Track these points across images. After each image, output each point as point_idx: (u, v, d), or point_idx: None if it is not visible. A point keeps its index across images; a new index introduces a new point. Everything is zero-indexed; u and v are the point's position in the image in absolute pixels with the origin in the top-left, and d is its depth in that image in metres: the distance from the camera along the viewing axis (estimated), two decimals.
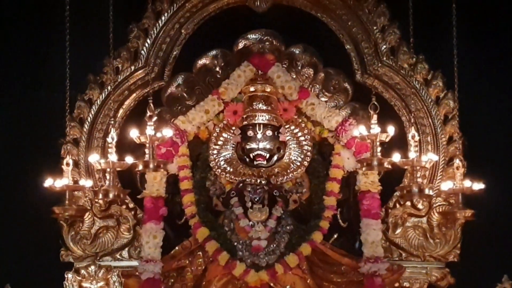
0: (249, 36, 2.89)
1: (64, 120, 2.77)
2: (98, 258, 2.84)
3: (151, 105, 2.54)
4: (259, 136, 2.73)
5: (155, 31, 2.87)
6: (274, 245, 2.68)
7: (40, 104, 3.02)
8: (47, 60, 3.04)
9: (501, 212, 2.88)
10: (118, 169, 2.55)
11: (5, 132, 3.13)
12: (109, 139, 2.56)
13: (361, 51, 2.87)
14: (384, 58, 2.86)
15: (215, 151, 2.80)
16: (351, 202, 2.85)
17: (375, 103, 2.56)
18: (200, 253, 2.76)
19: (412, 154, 2.50)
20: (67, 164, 2.61)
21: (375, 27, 2.88)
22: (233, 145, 2.83)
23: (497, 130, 3.02)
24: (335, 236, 2.86)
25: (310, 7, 2.92)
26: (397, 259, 2.85)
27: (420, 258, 2.84)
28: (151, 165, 2.47)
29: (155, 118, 2.55)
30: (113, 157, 2.51)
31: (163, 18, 2.87)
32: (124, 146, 2.66)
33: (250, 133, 2.75)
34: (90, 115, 2.83)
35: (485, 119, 2.99)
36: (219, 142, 2.82)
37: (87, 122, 2.85)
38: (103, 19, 2.65)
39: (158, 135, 2.52)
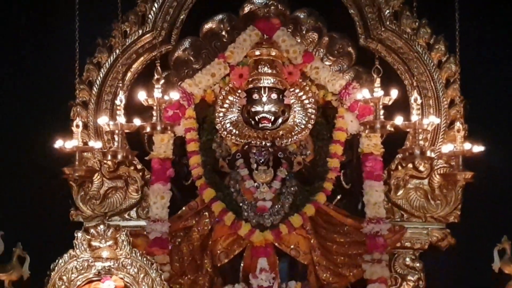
0: (254, 0, 2.95)
1: (74, 83, 2.86)
2: (107, 218, 2.93)
3: (159, 68, 2.66)
4: (264, 99, 2.79)
5: None
6: (279, 206, 2.75)
7: (50, 67, 3.11)
8: (57, 24, 3.12)
9: (500, 174, 2.97)
10: (126, 131, 2.69)
11: (16, 95, 3.21)
12: (117, 102, 2.68)
13: (364, 15, 2.93)
14: (388, 23, 2.92)
15: (221, 114, 2.87)
16: (354, 164, 2.90)
17: (378, 67, 2.65)
18: (207, 213, 2.84)
19: (414, 117, 2.61)
20: (77, 126, 2.71)
21: None
22: (239, 108, 2.89)
23: (498, 94, 3.10)
24: (338, 197, 2.93)
25: None
26: (398, 220, 2.95)
27: (421, 219, 2.94)
28: (158, 127, 2.60)
29: (162, 81, 2.68)
30: (121, 119, 2.63)
31: None
32: (132, 109, 2.77)
33: (255, 96, 2.80)
34: (99, 78, 2.93)
35: (486, 83, 3.06)
36: (225, 105, 2.88)
37: (96, 85, 2.94)
38: None
39: (166, 97, 2.63)
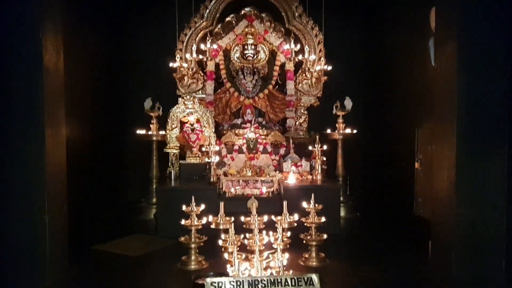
0: (246, 9, 7.17)
1: (175, 42, 7.21)
2: (191, 94, 7.12)
3: (209, 38, 7.06)
4: (249, 48, 7.07)
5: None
6: (255, 89, 7.17)
7: (169, 35, 7.32)
8: (165, 17, 7.10)
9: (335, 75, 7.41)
10: (197, 60, 7.10)
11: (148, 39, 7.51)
12: (193, 50, 7.10)
13: (286, 12, 7.16)
14: (297, 15, 7.22)
15: (232, 54, 7.18)
16: (282, 75, 7.29)
17: (293, 36, 7.06)
18: (227, 93, 7.31)
19: (306, 56, 7.09)
20: (181, 58, 7.13)
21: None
22: (239, 51, 7.20)
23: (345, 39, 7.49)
24: (277, 86, 7.26)
25: None
26: (299, 95, 7.42)
27: (307, 95, 7.44)
28: (209, 57, 7.04)
29: (210, 41, 7.07)
30: (194, 55, 7.07)
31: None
32: (198, 51, 7.15)
33: (246, 47, 7.01)
34: (186, 39, 7.23)
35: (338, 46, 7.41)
36: (234, 50, 7.13)
37: (184, 42, 7.19)
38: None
39: (214, 46, 7.03)
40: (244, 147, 6.30)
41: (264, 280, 2.77)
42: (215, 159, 5.60)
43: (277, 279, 2.78)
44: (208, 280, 2.77)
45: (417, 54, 5.30)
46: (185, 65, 6.99)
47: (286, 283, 2.78)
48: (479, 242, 3.62)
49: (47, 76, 3.49)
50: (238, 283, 2.76)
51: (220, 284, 2.75)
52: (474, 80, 3.62)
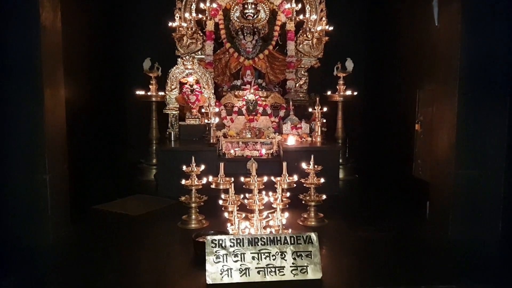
0: None
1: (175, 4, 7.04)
2: (190, 54, 7.10)
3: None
4: (249, 7, 6.94)
5: None
6: (255, 50, 7.08)
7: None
8: None
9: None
10: (197, 19, 6.96)
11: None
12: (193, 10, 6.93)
13: None
14: None
15: (232, 13, 7.05)
16: (283, 35, 7.17)
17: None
18: (227, 53, 7.21)
19: (307, 15, 6.94)
20: (180, 18, 6.98)
21: None
22: (238, 11, 7.07)
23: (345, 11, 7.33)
24: (277, 47, 7.16)
25: None
26: (299, 56, 7.32)
27: (307, 56, 7.35)
28: (209, 17, 6.89)
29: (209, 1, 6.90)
30: (193, 15, 6.91)
31: None
32: (198, 10, 7.00)
33: (246, 6, 6.89)
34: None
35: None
36: (234, 9, 7.01)
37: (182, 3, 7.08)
38: None
39: (214, 5, 6.87)
40: (243, 109, 6.28)
41: (264, 238, 2.82)
42: (215, 120, 5.58)
43: (277, 237, 2.83)
44: (209, 237, 2.82)
45: (420, 14, 5.19)
46: (184, 24, 6.87)
47: (286, 241, 2.83)
48: (476, 203, 3.66)
49: (45, 35, 3.43)
50: (238, 241, 2.80)
51: (220, 242, 2.80)
52: (477, 41, 3.57)
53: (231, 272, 2.74)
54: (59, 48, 3.72)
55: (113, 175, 6.54)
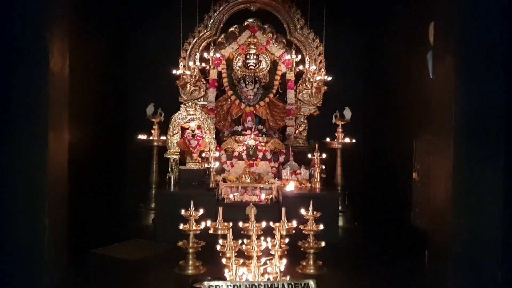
0: (249, 20, 7.24)
1: (180, 50, 7.27)
2: (193, 101, 7.24)
3: (212, 47, 7.13)
4: (251, 58, 7.17)
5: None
6: (256, 97, 7.23)
7: (175, 42, 7.38)
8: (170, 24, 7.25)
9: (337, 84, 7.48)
10: (200, 68, 7.16)
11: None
12: (197, 59, 7.16)
13: (289, 25, 7.26)
14: (298, 27, 7.30)
15: (235, 63, 7.30)
16: (283, 84, 7.36)
17: (294, 48, 7.13)
18: (229, 100, 7.34)
19: (306, 66, 7.16)
20: (184, 66, 7.18)
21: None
22: (241, 61, 7.29)
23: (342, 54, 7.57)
24: (277, 95, 7.33)
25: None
26: (299, 104, 7.47)
27: (307, 104, 7.49)
28: (212, 66, 7.09)
29: (213, 51, 7.13)
30: (197, 63, 7.13)
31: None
32: (201, 60, 7.22)
33: (248, 56, 7.14)
34: (190, 47, 7.26)
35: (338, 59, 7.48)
36: (237, 59, 7.26)
37: (188, 50, 7.25)
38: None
39: (217, 55, 7.10)
40: (243, 154, 6.35)
41: (262, 285, 2.81)
42: (215, 165, 5.64)
43: (274, 284, 2.82)
44: (206, 283, 2.81)
45: (415, 66, 5.37)
46: (188, 72, 7.06)
47: None
48: (475, 253, 3.64)
49: (53, 80, 3.53)
50: (236, 287, 2.79)
51: None
52: (472, 93, 3.67)
53: None
54: (66, 94, 3.82)
55: (111, 219, 6.52)
